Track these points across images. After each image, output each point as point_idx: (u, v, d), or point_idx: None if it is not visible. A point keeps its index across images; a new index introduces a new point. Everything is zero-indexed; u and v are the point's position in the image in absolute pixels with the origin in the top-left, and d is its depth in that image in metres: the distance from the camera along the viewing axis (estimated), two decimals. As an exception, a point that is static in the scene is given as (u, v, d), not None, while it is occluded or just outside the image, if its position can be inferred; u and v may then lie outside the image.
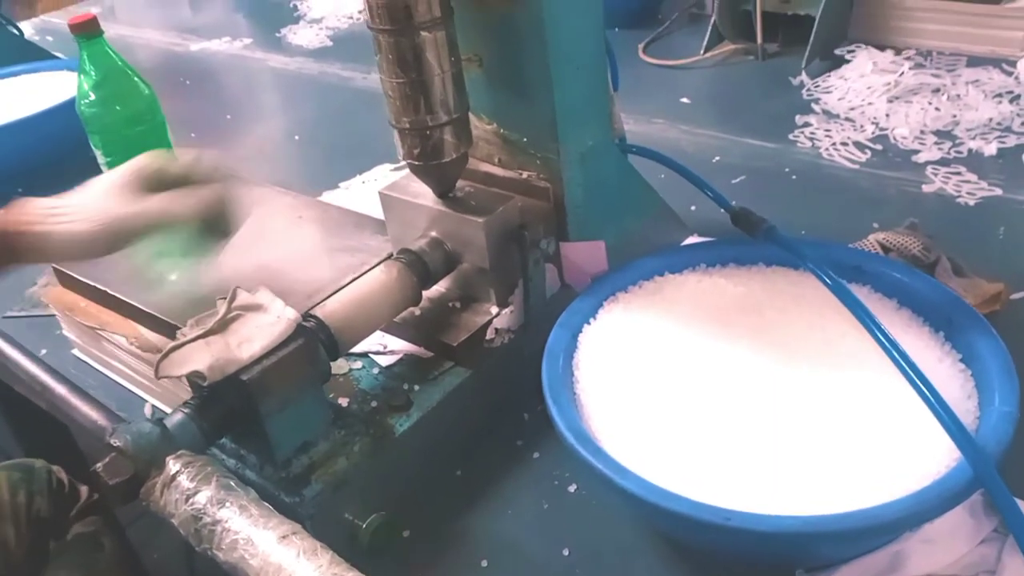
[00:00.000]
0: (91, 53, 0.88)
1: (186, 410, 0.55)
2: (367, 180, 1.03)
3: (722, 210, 0.70)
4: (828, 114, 1.06)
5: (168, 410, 0.75)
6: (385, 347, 0.70)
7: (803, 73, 1.14)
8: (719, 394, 0.55)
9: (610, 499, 0.58)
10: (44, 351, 0.85)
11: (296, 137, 1.22)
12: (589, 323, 0.64)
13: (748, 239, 0.67)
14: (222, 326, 0.57)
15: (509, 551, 0.57)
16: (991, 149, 0.92)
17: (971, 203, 0.86)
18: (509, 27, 0.63)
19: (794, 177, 0.96)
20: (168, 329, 0.75)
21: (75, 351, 0.84)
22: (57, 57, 1.48)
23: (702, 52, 1.26)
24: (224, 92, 1.48)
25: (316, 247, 0.82)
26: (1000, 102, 1.01)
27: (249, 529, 0.46)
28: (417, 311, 0.70)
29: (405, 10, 0.57)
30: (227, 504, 0.48)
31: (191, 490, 0.48)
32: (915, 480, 0.47)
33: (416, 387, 0.65)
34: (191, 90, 1.45)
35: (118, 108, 0.89)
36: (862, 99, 1.05)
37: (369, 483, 0.59)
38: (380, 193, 0.72)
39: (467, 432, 0.66)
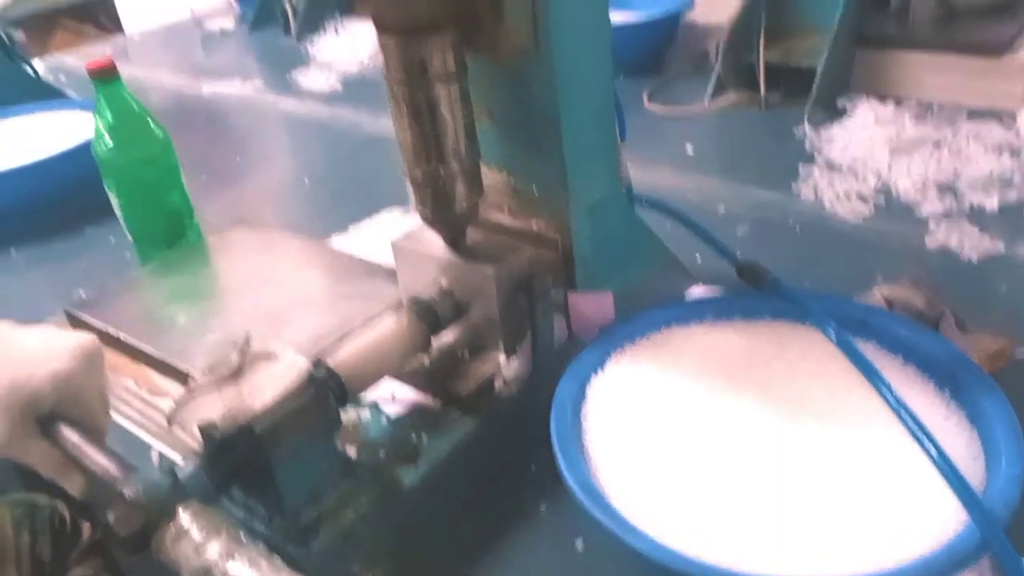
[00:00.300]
0: (108, 96, 0.89)
1: (196, 460, 0.55)
2: (375, 224, 1.04)
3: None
4: (831, 165, 1.07)
5: (174, 456, 0.76)
6: (393, 395, 0.71)
7: (805, 124, 1.16)
8: (726, 449, 0.55)
9: (618, 555, 0.58)
10: (51, 393, 0.85)
11: (306, 180, 1.24)
12: (597, 374, 0.64)
13: (754, 292, 0.68)
14: (235, 375, 0.57)
15: (516, 605, 0.57)
16: (993, 204, 0.93)
17: (974, 258, 0.86)
18: (521, 80, 0.65)
19: (798, 228, 0.97)
20: (178, 374, 0.75)
21: (82, 393, 0.84)
22: (70, 97, 1.51)
23: (706, 101, 1.28)
24: (235, 134, 1.50)
25: (326, 293, 0.83)
26: (1001, 156, 1.02)
27: (259, 583, 0.46)
28: (426, 359, 0.71)
29: (421, 64, 0.58)
30: (237, 557, 0.48)
31: (201, 542, 0.48)
32: (922, 541, 0.47)
33: (424, 437, 0.65)
34: (202, 131, 1.47)
35: (133, 151, 0.91)
36: (864, 150, 1.07)
37: (376, 535, 0.59)
38: (392, 243, 0.73)
39: (474, 483, 0.66)
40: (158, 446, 0.77)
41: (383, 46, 0.59)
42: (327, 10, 1.79)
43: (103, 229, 1.12)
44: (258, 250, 0.92)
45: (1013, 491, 0.48)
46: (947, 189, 0.98)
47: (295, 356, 0.59)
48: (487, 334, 0.70)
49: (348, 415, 0.68)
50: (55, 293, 0.99)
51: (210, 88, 1.65)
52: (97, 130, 0.91)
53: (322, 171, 1.27)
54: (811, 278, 0.86)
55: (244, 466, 0.56)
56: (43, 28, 2.91)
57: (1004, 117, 1.10)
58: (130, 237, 0.98)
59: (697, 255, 0.88)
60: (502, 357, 0.70)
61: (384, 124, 1.37)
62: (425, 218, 0.67)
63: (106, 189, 0.94)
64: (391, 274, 0.80)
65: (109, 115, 0.89)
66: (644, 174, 1.11)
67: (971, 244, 0.88)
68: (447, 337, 0.72)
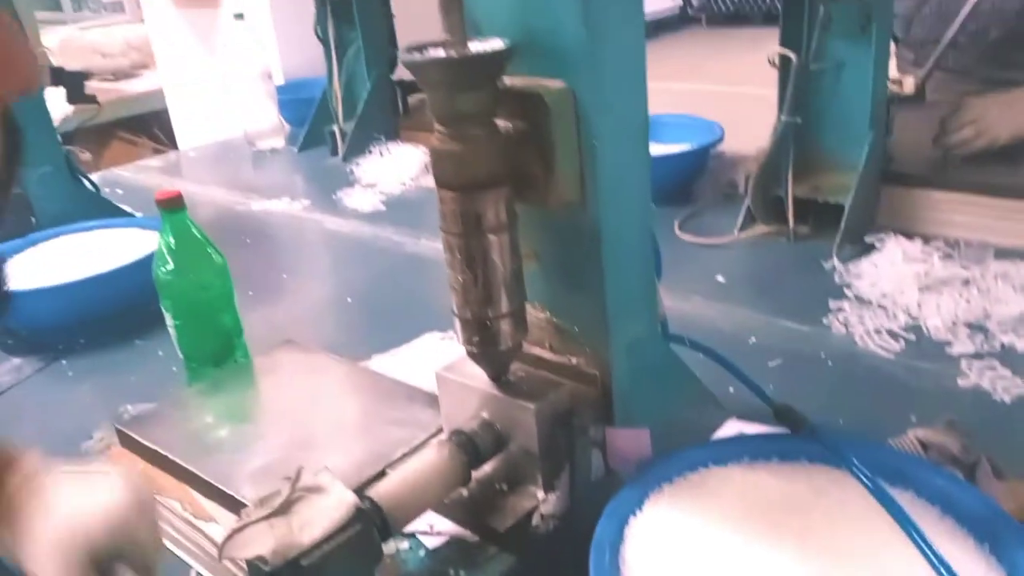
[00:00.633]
0: (173, 223, 0.95)
1: (244, 593, 0.56)
2: (415, 347, 1.08)
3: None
4: (860, 300, 1.09)
5: (213, 578, 0.77)
6: (432, 527, 0.72)
7: (834, 258, 1.19)
8: (767, 599, 0.56)
9: None
10: (95, 508, 0.87)
11: (348, 299, 1.28)
12: (635, 515, 0.65)
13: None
14: (285, 508, 0.59)
15: None
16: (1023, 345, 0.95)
17: (1007, 400, 0.87)
18: (567, 228, 0.69)
19: (830, 363, 0.98)
20: (223, 497, 0.77)
21: (126, 510, 0.86)
22: (128, 212, 1.59)
23: (736, 232, 1.32)
24: (282, 251, 1.56)
25: (369, 418, 0.86)
26: (1030, 296, 1.04)
27: None
28: (465, 492, 0.72)
29: (476, 217, 0.63)
30: None
31: None
32: None
33: (462, 573, 0.66)
34: (251, 247, 1.53)
35: (191, 276, 0.95)
36: (893, 287, 1.09)
37: (416, 674, 0.59)
38: (436, 373, 0.76)
39: (512, 621, 0.67)
40: (198, 568, 0.78)
41: (441, 198, 0.63)
42: (373, 135, 1.88)
43: (152, 343, 1.17)
44: (304, 372, 0.95)
45: (1059, 658, 0.47)
46: (978, 328, 1.00)
47: (343, 490, 0.61)
48: (526, 468, 0.72)
49: (388, 546, 0.69)
50: (103, 405, 1.02)
51: (260, 205, 1.73)
52: (159, 253, 0.96)
53: (364, 290, 1.31)
54: (844, 415, 0.87)
55: (290, 601, 0.57)
56: (99, 140, 3.08)
57: (1032, 256, 1.12)
58: (181, 355, 1.01)
59: (730, 387, 0.89)
60: (540, 492, 0.71)
61: (424, 244, 1.44)
62: (471, 354, 0.70)
63: (162, 309, 0.99)
64: (431, 399, 0.82)
65: (172, 240, 0.95)
66: (677, 303, 1.14)
67: (1004, 386, 0.89)
68: (486, 469, 0.74)
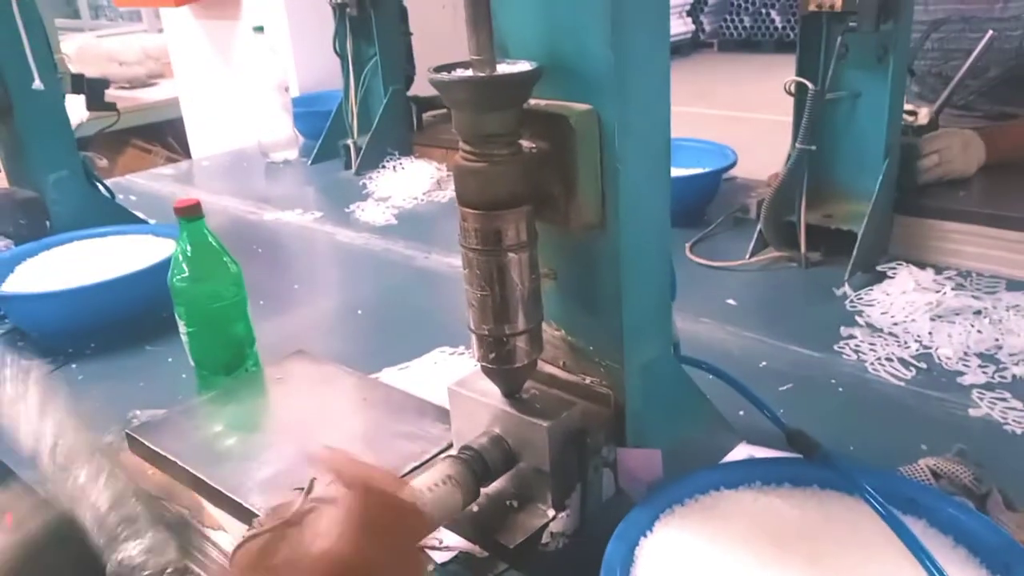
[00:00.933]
0: (190, 232, 0.95)
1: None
2: (425, 361, 1.08)
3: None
4: (872, 327, 1.09)
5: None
6: (441, 542, 0.72)
7: (846, 285, 1.19)
8: (778, 625, 0.56)
9: None
10: (103, 513, 0.87)
11: (359, 312, 1.28)
12: (646, 536, 0.65)
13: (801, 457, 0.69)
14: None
15: None
16: (1035, 376, 0.95)
17: (1018, 431, 0.87)
18: (586, 248, 0.69)
19: (840, 389, 0.98)
20: (231, 505, 0.77)
21: (134, 516, 0.86)
22: (142, 219, 1.60)
23: (747, 256, 1.32)
24: (294, 262, 1.57)
25: (378, 430, 0.86)
26: (1041, 328, 1.04)
27: None
28: (475, 507, 0.72)
29: (497, 235, 0.63)
30: None
31: None
32: None
33: (472, 588, 0.66)
34: (262, 258, 1.54)
35: (207, 284, 0.96)
36: (905, 315, 1.10)
37: None
38: (448, 389, 0.76)
39: (519, 640, 0.66)
40: (204, 576, 0.78)
41: (463, 215, 0.64)
42: (387, 150, 1.90)
43: (162, 349, 1.17)
44: (315, 382, 0.96)
45: None
46: (989, 359, 1.00)
47: (357, 502, 0.60)
48: (536, 486, 0.72)
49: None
50: (112, 409, 1.03)
51: (272, 216, 1.74)
52: (175, 260, 0.96)
53: (375, 303, 1.32)
54: (854, 442, 0.87)
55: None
56: (114, 148, 3.11)
57: (1043, 288, 1.12)
58: (192, 362, 1.02)
59: (740, 411, 0.89)
60: (550, 511, 0.71)
61: (435, 259, 1.45)
62: (486, 370, 0.71)
63: (176, 315, 0.99)
64: (442, 413, 0.82)
65: (188, 248, 0.95)
66: (687, 324, 1.14)
67: (1015, 417, 0.89)
68: (496, 485, 0.74)
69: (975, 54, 1.35)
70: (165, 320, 1.04)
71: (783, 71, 1.30)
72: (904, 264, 1.21)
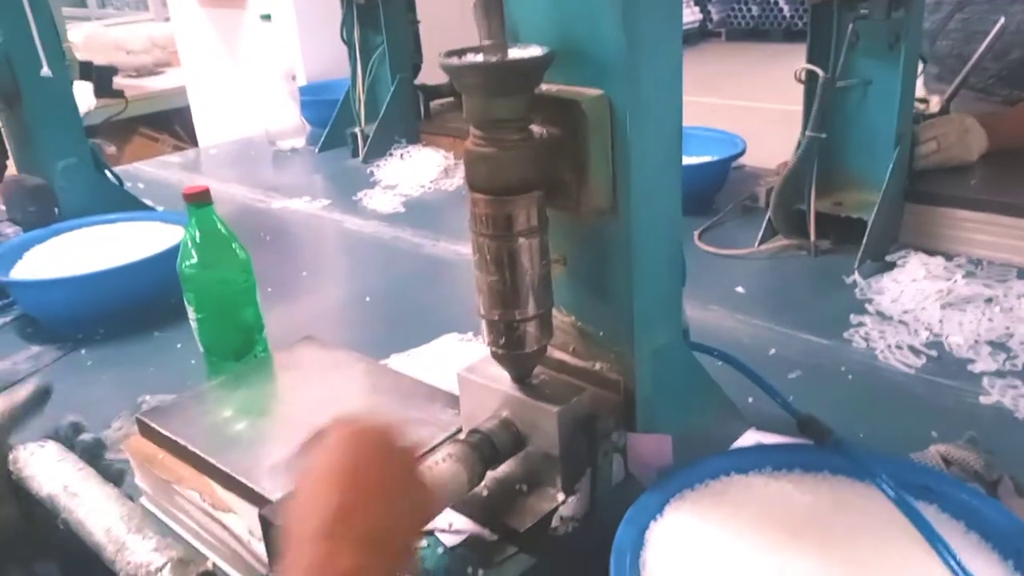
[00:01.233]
0: (199, 218, 0.96)
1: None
2: (433, 348, 1.08)
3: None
4: (882, 315, 1.09)
5: (230, 570, 0.77)
6: (451, 525, 0.72)
7: (856, 273, 1.19)
8: (789, 610, 0.56)
9: None
10: (113, 497, 0.88)
11: (367, 299, 1.28)
12: (656, 520, 0.65)
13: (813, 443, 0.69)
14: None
15: None
16: (1046, 365, 0.95)
17: (1029, 419, 0.87)
18: (597, 234, 0.69)
19: (850, 377, 0.98)
20: (242, 489, 0.77)
21: (143, 500, 0.86)
22: (150, 206, 1.60)
23: (756, 244, 1.32)
24: (301, 249, 1.57)
25: (388, 416, 0.86)
26: (1053, 317, 1.04)
27: None
28: (484, 491, 0.72)
29: (507, 220, 0.63)
30: None
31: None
32: None
33: (480, 572, 0.66)
34: (270, 245, 1.54)
35: (216, 270, 0.96)
36: (915, 303, 1.09)
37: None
38: (458, 374, 0.76)
39: (529, 624, 0.67)
40: (215, 559, 0.78)
41: (473, 200, 0.64)
42: (394, 138, 1.90)
43: (171, 335, 1.18)
44: (324, 368, 0.95)
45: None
46: (1000, 347, 0.99)
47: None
48: (545, 471, 0.72)
49: (407, 544, 0.69)
50: (121, 395, 1.03)
51: (280, 204, 1.74)
52: (184, 247, 0.97)
53: (383, 290, 1.32)
54: (864, 429, 0.87)
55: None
56: (121, 136, 3.11)
57: (1055, 276, 1.12)
58: (201, 348, 1.02)
59: (749, 398, 0.89)
60: (560, 495, 0.71)
61: (443, 247, 1.45)
62: (496, 356, 0.71)
63: (185, 302, 1.00)
64: (452, 399, 0.82)
65: (198, 235, 0.95)
66: (696, 312, 1.14)
67: (1026, 405, 0.89)
68: (506, 468, 0.74)
69: (986, 43, 1.34)
70: (174, 306, 1.05)
71: (792, 60, 1.30)
72: (914, 252, 1.20)
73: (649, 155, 0.66)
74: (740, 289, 1.22)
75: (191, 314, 1.00)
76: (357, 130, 1.93)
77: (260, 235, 1.56)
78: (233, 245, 0.98)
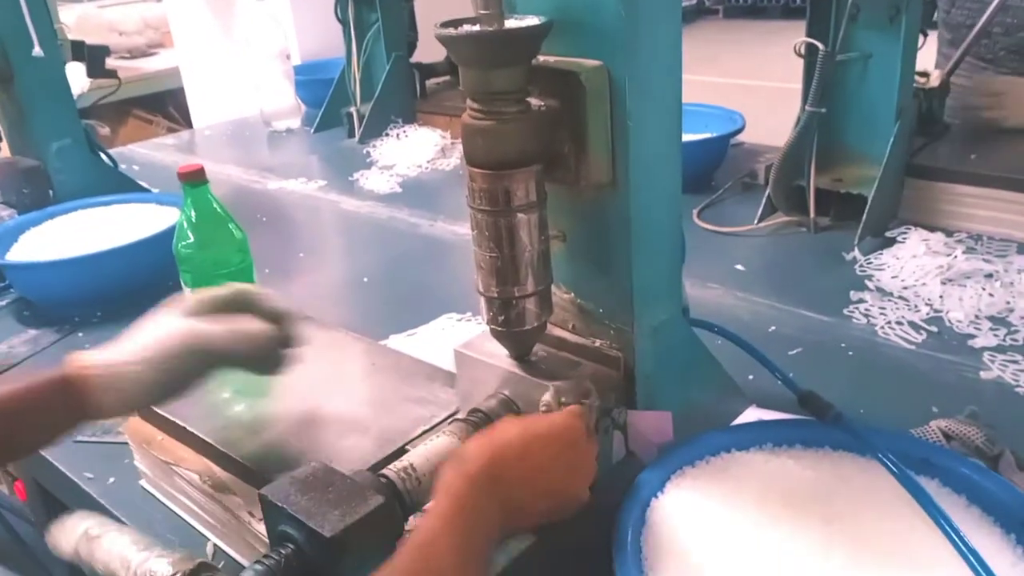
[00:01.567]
0: (195, 198, 0.94)
1: (267, 564, 0.56)
2: (432, 327, 1.07)
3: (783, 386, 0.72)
4: (882, 292, 1.09)
5: (230, 551, 0.77)
6: (452, 504, 0.72)
7: (856, 249, 1.18)
8: (791, 584, 0.55)
9: None
10: (112, 480, 0.88)
11: (365, 279, 1.28)
12: (657, 497, 0.65)
13: (814, 420, 0.69)
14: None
15: None
16: (1046, 339, 0.94)
17: (1030, 393, 0.87)
18: (597, 209, 0.68)
19: (851, 353, 0.98)
20: (241, 470, 0.77)
21: (143, 482, 0.86)
22: (145, 188, 1.59)
23: (755, 222, 1.31)
24: (298, 231, 1.56)
25: (389, 395, 0.85)
26: (1053, 291, 1.03)
27: None
28: (485, 469, 0.72)
29: (506, 194, 0.62)
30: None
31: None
32: None
33: (482, 549, 0.66)
34: (267, 226, 1.53)
35: (212, 250, 0.95)
36: (915, 279, 1.09)
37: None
38: (455, 351, 0.76)
39: (531, 600, 0.66)
40: (215, 540, 0.78)
41: (471, 175, 0.63)
42: (390, 117, 1.88)
43: (168, 317, 1.17)
44: (323, 348, 0.95)
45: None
46: (1000, 322, 0.99)
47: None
48: (547, 448, 0.71)
49: (409, 523, 0.69)
50: (119, 378, 1.02)
51: (276, 185, 1.73)
52: (180, 227, 0.96)
53: (380, 271, 1.31)
54: (865, 405, 0.86)
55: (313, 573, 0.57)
56: (115, 118, 3.09)
57: (1054, 251, 1.11)
58: (199, 329, 1.01)
59: (750, 375, 0.89)
60: (561, 472, 0.71)
61: (440, 227, 1.44)
62: (495, 333, 0.70)
63: (182, 282, 0.99)
64: (451, 378, 0.82)
65: (193, 215, 0.94)
66: (695, 290, 1.14)
67: (1026, 379, 0.89)
68: (506, 448, 0.74)
69: (983, 20, 1.32)
70: (171, 289, 1.03)
71: (790, 37, 1.28)
72: (914, 228, 1.20)
73: (649, 127, 0.65)
74: (740, 267, 1.21)
75: (188, 294, 0.99)
76: (352, 110, 1.92)
77: (256, 216, 1.55)
78: (229, 225, 0.97)
